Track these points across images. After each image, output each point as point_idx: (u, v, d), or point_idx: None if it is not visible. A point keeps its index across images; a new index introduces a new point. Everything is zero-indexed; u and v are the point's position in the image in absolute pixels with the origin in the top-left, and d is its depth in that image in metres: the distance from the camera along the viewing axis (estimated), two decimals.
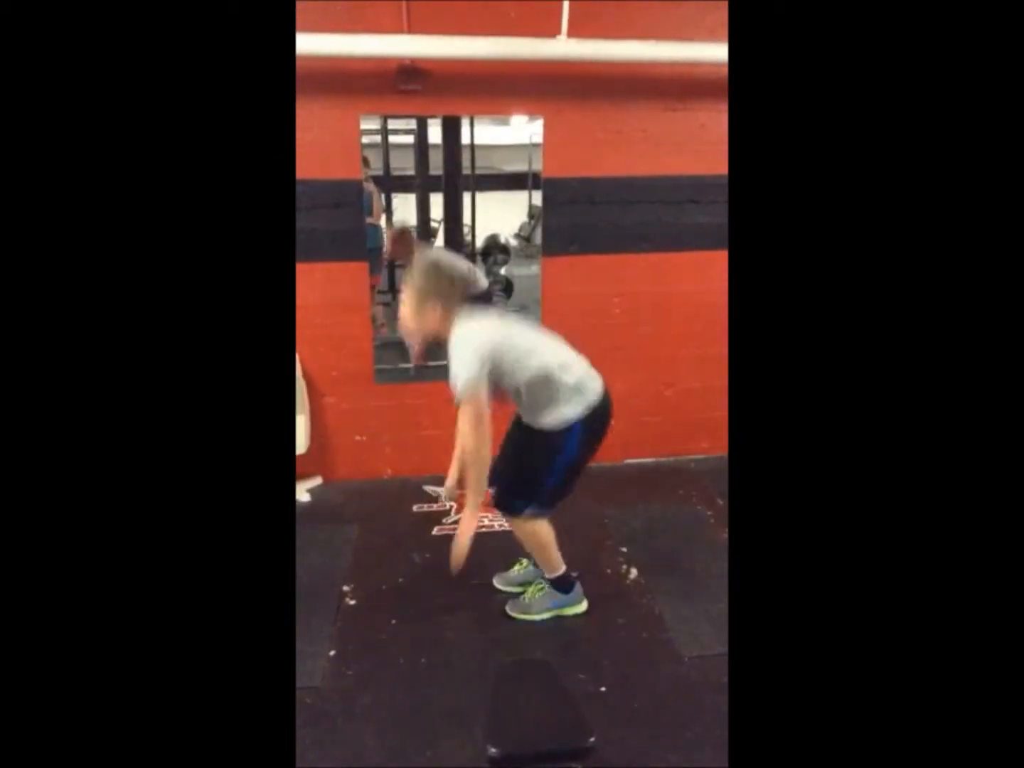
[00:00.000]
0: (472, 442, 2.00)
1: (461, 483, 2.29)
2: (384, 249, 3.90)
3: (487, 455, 2.03)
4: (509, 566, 2.58)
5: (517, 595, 2.45)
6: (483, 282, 3.67)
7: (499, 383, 2.05)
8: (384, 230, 4.13)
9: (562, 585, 2.36)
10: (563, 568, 2.34)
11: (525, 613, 2.38)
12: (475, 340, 2.00)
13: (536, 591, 2.40)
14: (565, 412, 2.08)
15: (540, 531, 2.26)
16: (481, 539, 2.87)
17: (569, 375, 2.08)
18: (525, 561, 2.53)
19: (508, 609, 2.41)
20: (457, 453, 2.36)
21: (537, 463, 2.17)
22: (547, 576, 2.36)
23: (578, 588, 2.40)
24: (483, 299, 3.72)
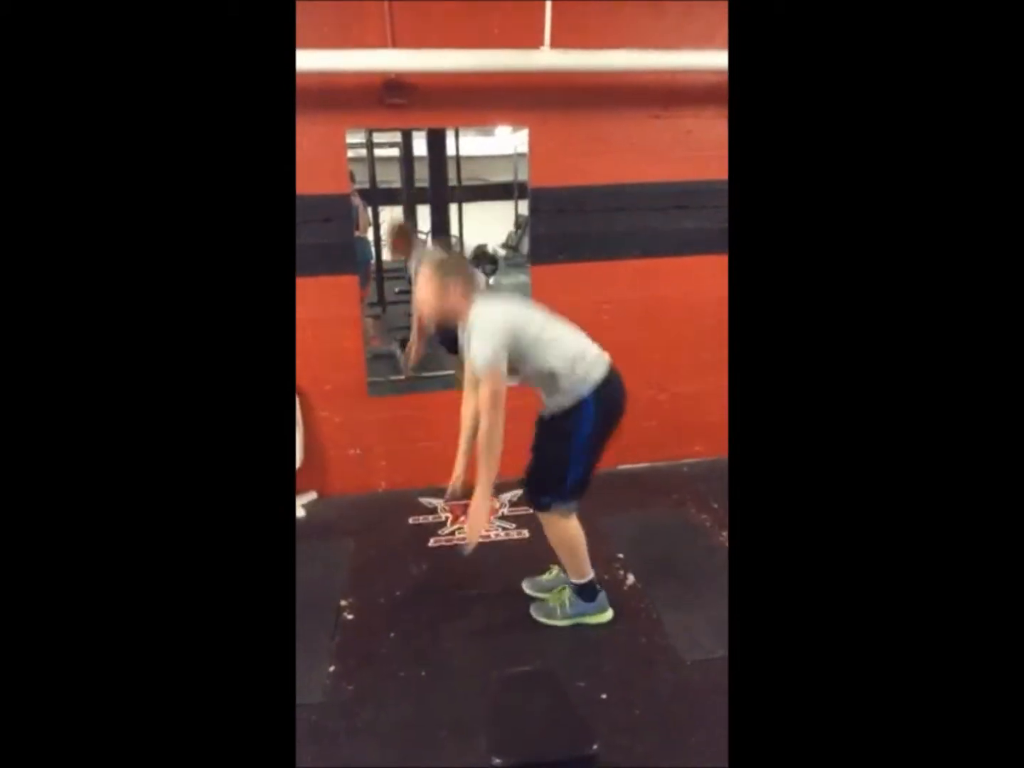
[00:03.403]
0: (488, 420, 2.03)
1: (466, 484, 2.32)
2: (384, 245, 3.97)
3: (500, 433, 2.05)
4: (508, 579, 2.59)
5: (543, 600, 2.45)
6: (483, 284, 3.70)
7: (517, 364, 2.10)
8: (371, 243, 4.14)
9: (587, 593, 2.36)
10: (590, 575, 2.34)
11: (549, 618, 2.39)
12: (496, 319, 2.06)
13: (561, 596, 2.40)
14: (577, 389, 2.12)
15: (571, 532, 2.27)
16: (481, 550, 2.86)
17: (579, 355, 2.13)
18: (556, 568, 2.53)
19: (532, 613, 2.41)
20: (462, 446, 2.40)
21: (557, 449, 2.19)
22: (573, 582, 2.35)
23: (603, 597, 2.39)
24: None
